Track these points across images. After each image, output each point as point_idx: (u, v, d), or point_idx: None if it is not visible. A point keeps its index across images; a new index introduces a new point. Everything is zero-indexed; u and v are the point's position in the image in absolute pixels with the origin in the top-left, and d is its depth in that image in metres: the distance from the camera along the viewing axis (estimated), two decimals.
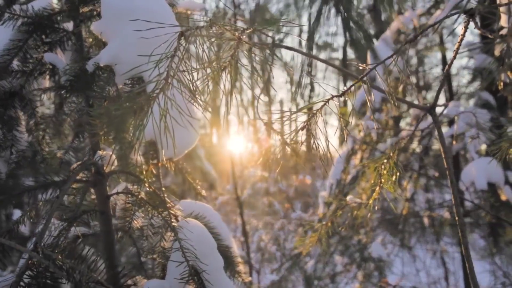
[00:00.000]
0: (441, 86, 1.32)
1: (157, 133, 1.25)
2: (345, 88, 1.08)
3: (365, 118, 3.70)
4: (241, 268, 1.61)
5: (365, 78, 1.10)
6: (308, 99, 17.40)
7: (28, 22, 1.42)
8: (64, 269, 0.87)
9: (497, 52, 1.43)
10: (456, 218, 1.34)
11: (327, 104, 0.92)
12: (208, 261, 1.20)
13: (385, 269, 4.06)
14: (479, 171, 3.12)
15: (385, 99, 3.76)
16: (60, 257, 0.88)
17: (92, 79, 1.32)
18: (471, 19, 0.87)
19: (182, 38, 0.98)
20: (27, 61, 1.53)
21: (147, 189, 1.26)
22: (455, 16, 1.15)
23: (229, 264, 1.60)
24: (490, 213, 2.85)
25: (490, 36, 0.89)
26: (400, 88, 3.53)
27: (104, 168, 1.33)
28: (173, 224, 1.15)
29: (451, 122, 3.98)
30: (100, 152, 1.31)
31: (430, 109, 1.33)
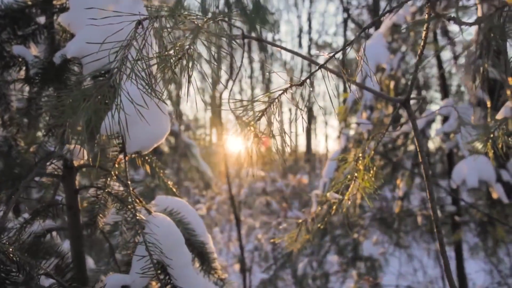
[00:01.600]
0: (413, 78, 1.30)
1: (122, 125, 1.23)
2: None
3: (357, 116, 3.67)
4: (217, 264, 1.59)
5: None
6: (308, 98, 17.40)
7: None
8: (15, 261, 0.85)
9: (476, 42, 1.41)
10: (431, 213, 1.32)
11: (285, 93, 0.89)
12: (174, 256, 1.18)
13: (376, 268, 4.03)
14: (470, 169, 3.09)
15: (376, 98, 3.73)
16: (11, 249, 0.86)
17: (61, 71, 1.31)
18: (429, 5, 0.84)
19: (140, 27, 0.97)
20: (3, 56, 1.51)
21: (115, 182, 1.24)
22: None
23: (205, 260, 1.58)
24: (482, 211, 2.81)
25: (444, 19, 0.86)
26: (392, 85, 3.51)
27: (73, 161, 1.31)
28: (137, 218, 1.13)
29: (445, 120, 3.94)
30: (68, 145, 1.29)
31: (404, 102, 1.31)
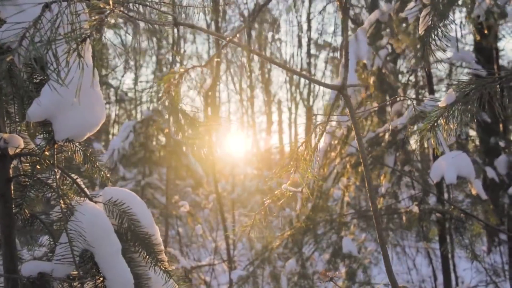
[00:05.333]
0: (345, 64, 1.28)
1: (52, 110, 1.21)
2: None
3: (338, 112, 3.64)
4: (164, 256, 1.57)
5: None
6: (307, 97, 17.36)
7: None
8: None
9: (420, 30, 1.38)
10: (371, 205, 1.30)
11: (187, 73, 0.88)
12: (101, 244, 1.17)
13: (364, 266, 3.99)
14: (449, 165, 3.04)
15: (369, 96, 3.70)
16: None
17: None
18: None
19: (47, 9, 0.95)
20: None
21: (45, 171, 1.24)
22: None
23: (151, 252, 1.56)
24: (458, 207, 2.78)
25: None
26: (371, 81, 3.48)
27: (8, 149, 1.30)
28: (61, 205, 1.12)
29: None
30: (2, 134, 1.28)
31: (340, 89, 1.29)
